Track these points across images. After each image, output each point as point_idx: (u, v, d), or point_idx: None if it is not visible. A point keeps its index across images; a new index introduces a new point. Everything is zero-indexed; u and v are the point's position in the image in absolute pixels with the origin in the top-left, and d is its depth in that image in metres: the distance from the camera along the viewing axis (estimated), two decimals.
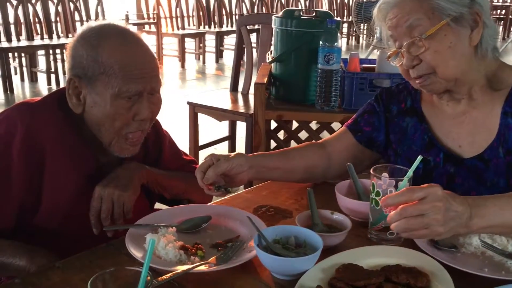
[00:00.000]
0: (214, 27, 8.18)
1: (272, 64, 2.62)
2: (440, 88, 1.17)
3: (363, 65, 2.59)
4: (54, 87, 5.96)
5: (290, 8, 2.52)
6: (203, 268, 0.94)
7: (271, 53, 2.75)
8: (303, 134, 3.05)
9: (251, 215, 1.08)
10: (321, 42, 2.28)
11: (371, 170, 1.07)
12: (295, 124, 3.13)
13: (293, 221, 1.12)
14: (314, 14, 2.55)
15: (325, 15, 2.44)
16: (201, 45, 8.10)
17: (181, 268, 0.92)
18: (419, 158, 1.05)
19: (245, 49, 3.70)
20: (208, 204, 1.27)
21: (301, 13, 2.49)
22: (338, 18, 2.50)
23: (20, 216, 1.17)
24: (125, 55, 1.15)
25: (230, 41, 8.65)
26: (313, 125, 3.24)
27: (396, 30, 1.16)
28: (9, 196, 1.14)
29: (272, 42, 2.64)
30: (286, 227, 1.02)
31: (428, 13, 1.11)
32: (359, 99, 2.35)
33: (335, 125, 2.96)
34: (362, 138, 1.35)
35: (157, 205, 1.48)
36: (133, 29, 1.23)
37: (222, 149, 4.07)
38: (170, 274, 0.89)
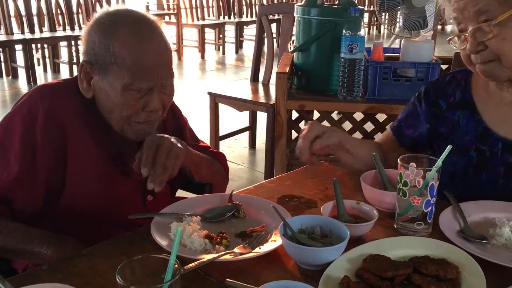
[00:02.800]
0: (234, 17, 8.15)
1: (294, 54, 2.60)
2: (502, 77, 1.14)
3: (386, 54, 2.54)
4: None
5: None
6: (228, 257, 0.93)
7: (292, 43, 2.72)
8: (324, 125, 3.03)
9: (276, 205, 1.07)
10: (344, 31, 2.25)
11: (398, 160, 1.05)
12: (316, 114, 3.11)
13: (318, 211, 1.11)
14: (337, 2, 2.52)
15: (348, 4, 2.40)
16: (221, 35, 8.08)
17: (206, 257, 0.92)
18: (449, 147, 1.03)
19: (266, 39, 3.68)
20: (232, 193, 1.27)
21: (323, 2, 2.46)
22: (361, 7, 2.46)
23: (46, 199, 1.18)
24: (138, 49, 1.12)
25: (249, 31, 8.62)
26: (334, 115, 3.21)
27: (462, 13, 1.12)
28: (36, 177, 1.15)
29: (294, 32, 2.61)
30: (312, 217, 1.01)
31: None
32: (383, 89, 2.32)
33: (357, 115, 2.93)
34: (405, 142, 1.36)
35: (179, 193, 1.48)
36: (151, 16, 1.19)
37: (242, 139, 4.07)
38: (195, 262, 0.89)
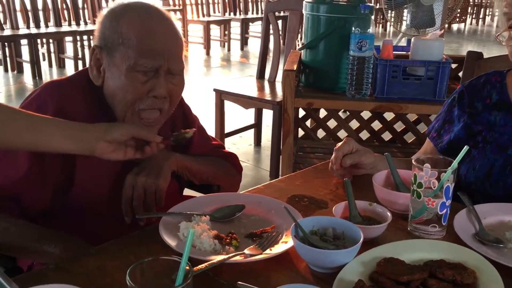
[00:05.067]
0: (240, 14, 8.12)
1: (301, 51, 2.57)
2: None
3: (395, 52, 2.51)
4: None
5: None
6: (238, 258, 0.91)
7: (300, 40, 2.70)
8: (331, 123, 3.00)
9: (288, 205, 1.05)
10: (353, 28, 2.22)
11: (413, 160, 1.02)
12: (323, 113, 3.09)
13: (329, 212, 1.09)
14: None
15: (358, 1, 2.37)
16: (226, 32, 8.05)
17: (216, 258, 0.90)
18: (465, 148, 1.00)
19: (272, 36, 3.65)
20: (241, 192, 1.25)
21: None
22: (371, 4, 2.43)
23: (54, 197, 1.16)
24: (145, 28, 1.12)
25: (255, 28, 8.59)
26: (341, 114, 3.19)
27: None
28: (45, 175, 1.13)
29: (303, 28, 2.58)
30: (324, 218, 0.99)
31: None
32: (392, 87, 2.29)
33: (365, 114, 2.91)
34: (443, 147, 1.34)
35: (186, 191, 1.46)
36: (163, 9, 1.19)
37: (247, 136, 4.05)
38: (205, 264, 0.87)
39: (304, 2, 2.49)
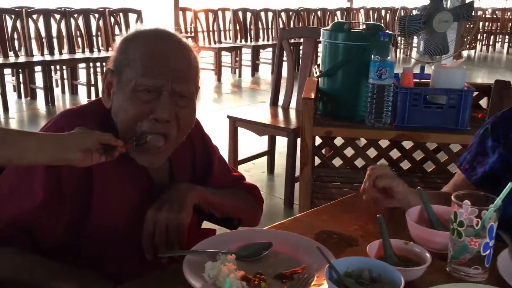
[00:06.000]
0: (251, 41, 8.18)
1: (319, 79, 2.54)
2: None
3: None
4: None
5: (339, 21, 2.43)
6: None
7: (318, 67, 2.67)
8: (348, 151, 2.95)
9: (320, 245, 0.99)
10: (373, 56, 2.18)
11: (453, 197, 0.96)
12: (339, 141, 3.03)
13: (360, 250, 1.03)
14: (364, 27, 2.46)
15: (377, 28, 2.34)
16: (237, 58, 8.10)
17: None
18: (510, 185, 0.94)
19: (286, 63, 3.64)
20: (265, 228, 1.19)
21: (350, 26, 2.40)
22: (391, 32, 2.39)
23: (70, 228, 1.11)
24: (150, 48, 1.10)
25: (266, 55, 8.63)
26: (358, 142, 3.13)
27: None
28: (60, 204, 1.09)
29: (320, 56, 2.56)
30: (359, 259, 0.93)
31: None
32: (413, 116, 2.24)
33: (383, 142, 2.85)
34: (477, 179, 1.30)
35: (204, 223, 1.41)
36: (177, 34, 1.17)
37: (260, 163, 4.00)
38: None
39: (321, 30, 2.46)
